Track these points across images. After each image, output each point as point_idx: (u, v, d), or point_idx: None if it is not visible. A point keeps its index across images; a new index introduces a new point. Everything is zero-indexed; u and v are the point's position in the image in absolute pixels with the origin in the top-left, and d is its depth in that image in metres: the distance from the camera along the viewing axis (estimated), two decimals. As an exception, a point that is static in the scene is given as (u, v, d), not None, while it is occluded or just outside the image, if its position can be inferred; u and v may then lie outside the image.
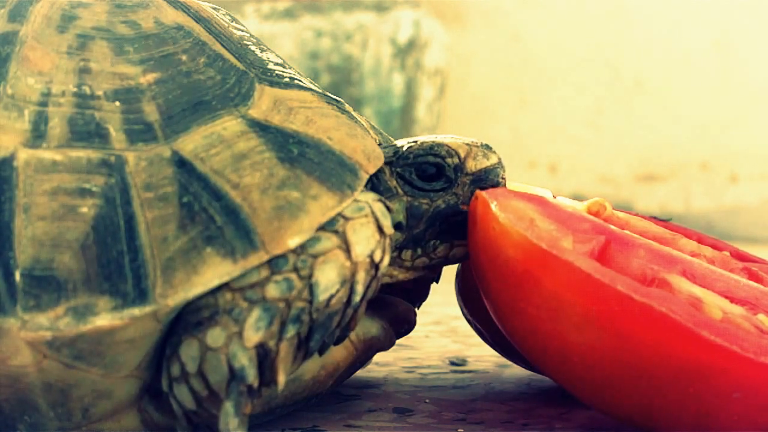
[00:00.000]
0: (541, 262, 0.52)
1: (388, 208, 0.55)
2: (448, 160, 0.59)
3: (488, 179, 0.60)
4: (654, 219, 0.68)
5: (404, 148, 0.59)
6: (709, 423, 0.49)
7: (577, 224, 0.56)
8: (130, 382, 0.51)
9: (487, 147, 0.61)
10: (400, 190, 0.59)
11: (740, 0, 2.23)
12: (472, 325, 0.68)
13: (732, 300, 0.54)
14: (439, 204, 0.59)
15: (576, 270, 0.51)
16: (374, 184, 0.59)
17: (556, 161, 2.33)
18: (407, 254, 0.60)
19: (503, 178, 0.60)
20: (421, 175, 0.59)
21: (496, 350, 0.69)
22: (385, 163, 0.59)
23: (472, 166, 0.60)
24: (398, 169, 0.59)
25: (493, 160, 0.60)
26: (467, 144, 0.60)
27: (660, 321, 0.48)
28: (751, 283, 0.57)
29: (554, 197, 0.62)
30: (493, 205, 0.55)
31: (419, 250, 0.60)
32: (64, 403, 0.50)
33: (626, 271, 0.54)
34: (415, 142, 0.60)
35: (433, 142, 0.60)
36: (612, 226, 0.58)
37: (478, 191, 0.58)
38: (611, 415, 0.54)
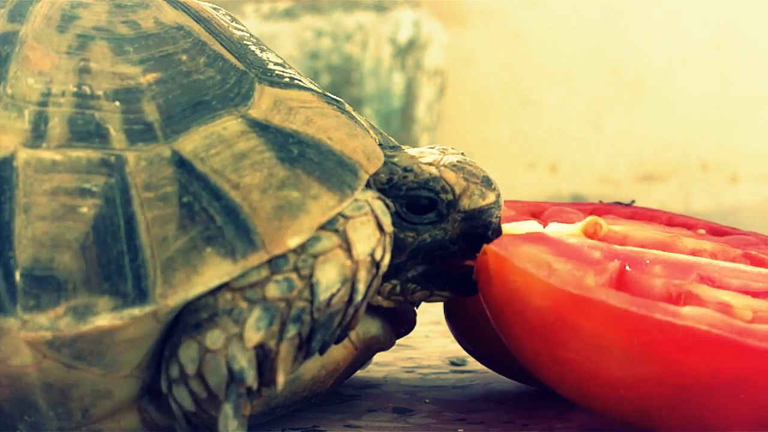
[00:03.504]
0: (573, 307, 0.51)
1: (388, 206, 0.55)
2: (443, 195, 0.57)
3: (480, 218, 0.57)
4: (618, 204, 0.69)
5: (399, 177, 0.57)
6: (764, 425, 0.50)
7: (588, 255, 0.55)
8: (130, 382, 0.51)
9: (487, 184, 0.58)
10: None
11: (740, 0, 2.23)
12: (468, 351, 0.68)
13: (752, 294, 0.54)
14: (425, 238, 0.57)
15: (610, 308, 0.50)
16: None
17: (556, 161, 2.32)
18: (386, 288, 0.58)
19: (498, 218, 0.58)
20: (411, 207, 0.57)
21: (497, 371, 0.68)
22: (378, 189, 0.57)
23: (466, 204, 0.57)
24: (389, 200, 0.56)
25: (490, 199, 0.57)
26: (465, 179, 0.57)
27: (704, 340, 0.49)
28: (761, 269, 0.57)
29: (544, 227, 0.61)
30: (508, 257, 0.53)
31: (398, 288, 0.58)
32: (64, 403, 0.50)
33: (651, 293, 0.54)
34: (411, 171, 0.57)
35: (430, 175, 0.57)
36: (617, 247, 0.57)
37: (485, 246, 0.55)
38: None
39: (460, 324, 0.66)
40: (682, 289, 0.54)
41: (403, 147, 0.60)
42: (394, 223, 0.56)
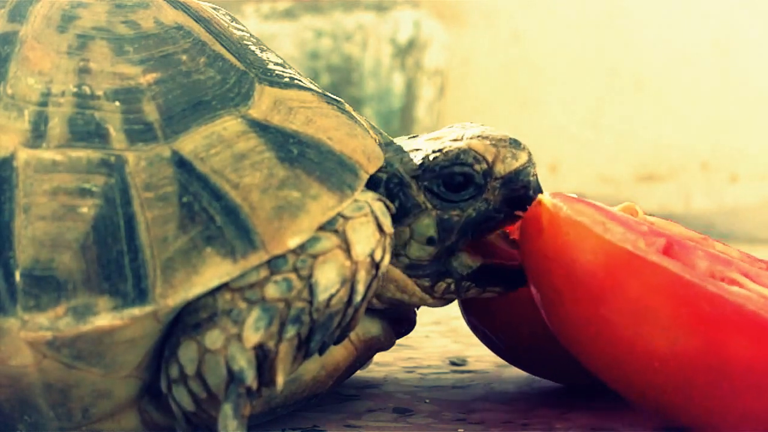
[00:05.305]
0: (626, 266, 0.50)
1: (388, 207, 0.55)
2: (476, 167, 0.57)
3: (519, 180, 0.57)
4: None
5: (429, 159, 0.57)
6: None
7: (637, 226, 0.54)
8: (130, 382, 0.51)
9: (516, 145, 0.58)
10: (428, 205, 0.57)
11: (740, 0, 2.23)
12: (477, 333, 0.68)
13: None
14: (470, 213, 0.57)
15: (665, 271, 0.49)
16: (401, 201, 0.57)
17: (556, 161, 2.32)
18: (440, 287, 0.58)
19: (534, 175, 0.58)
20: (448, 186, 0.57)
21: (504, 358, 0.68)
22: (411, 177, 0.57)
23: (501, 169, 0.57)
24: (425, 183, 0.57)
25: (522, 159, 0.58)
26: (494, 145, 0.58)
27: (750, 320, 0.48)
28: None
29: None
30: (564, 209, 0.53)
31: (452, 286, 0.58)
32: (64, 403, 0.50)
33: (698, 271, 0.53)
34: (440, 150, 0.57)
35: (459, 149, 0.57)
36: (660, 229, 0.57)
37: (539, 196, 0.55)
38: (680, 419, 0.53)
39: (473, 303, 0.65)
40: (725, 274, 0.54)
41: (418, 135, 0.61)
42: (436, 206, 0.57)
